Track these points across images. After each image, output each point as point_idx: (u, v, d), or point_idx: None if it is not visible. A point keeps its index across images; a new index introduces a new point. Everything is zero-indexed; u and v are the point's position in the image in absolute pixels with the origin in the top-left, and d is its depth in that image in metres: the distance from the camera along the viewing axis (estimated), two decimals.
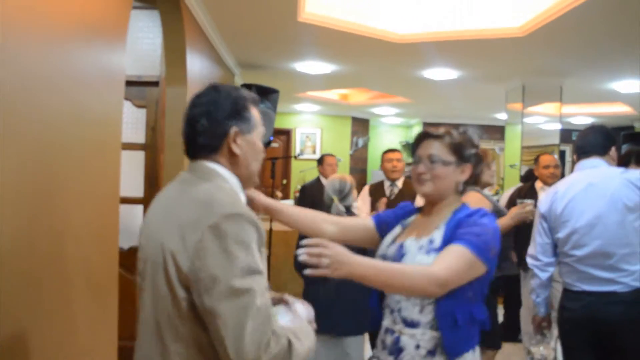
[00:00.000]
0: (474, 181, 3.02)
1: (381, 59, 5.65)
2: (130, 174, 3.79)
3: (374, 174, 10.80)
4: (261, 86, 5.00)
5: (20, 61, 1.56)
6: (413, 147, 1.78)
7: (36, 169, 1.68)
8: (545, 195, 2.64)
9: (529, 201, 3.07)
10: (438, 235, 1.65)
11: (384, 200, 4.42)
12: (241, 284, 1.18)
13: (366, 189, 4.82)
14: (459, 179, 1.73)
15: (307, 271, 1.41)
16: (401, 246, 1.70)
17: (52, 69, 1.76)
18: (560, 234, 2.50)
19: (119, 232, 2.45)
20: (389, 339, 1.68)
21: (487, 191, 3.30)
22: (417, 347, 1.61)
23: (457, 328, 1.58)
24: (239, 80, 6.45)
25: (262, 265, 1.25)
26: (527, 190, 4.37)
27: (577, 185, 2.49)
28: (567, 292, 2.51)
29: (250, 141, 1.39)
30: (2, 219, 1.48)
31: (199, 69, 4.10)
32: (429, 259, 1.61)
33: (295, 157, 9.82)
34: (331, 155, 5.59)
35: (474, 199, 2.94)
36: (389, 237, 1.79)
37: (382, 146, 12.80)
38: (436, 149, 1.71)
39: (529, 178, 5.10)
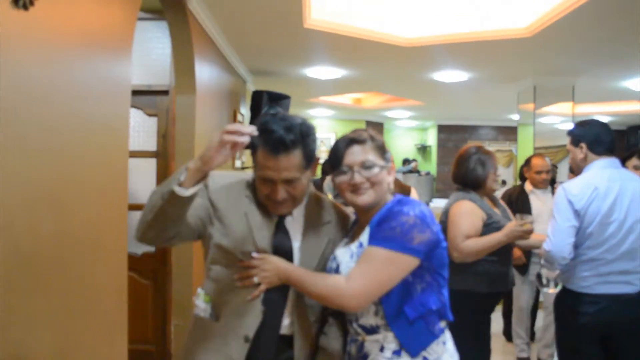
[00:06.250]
0: (477, 186, 2.93)
1: (390, 63, 5.69)
2: (143, 181, 3.88)
3: None
4: (272, 92, 5.07)
5: (25, 72, 1.64)
6: (335, 155, 1.62)
7: (42, 177, 1.75)
8: (579, 190, 2.43)
9: (529, 217, 2.64)
10: (365, 237, 1.57)
11: None
12: None
13: None
14: (389, 181, 1.62)
15: (238, 283, 1.55)
16: (334, 257, 1.62)
17: (57, 80, 1.84)
18: (596, 236, 2.40)
19: (127, 238, 2.52)
20: (353, 348, 1.62)
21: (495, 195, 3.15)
22: (382, 349, 1.55)
23: (410, 324, 1.53)
24: (250, 87, 6.53)
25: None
26: (518, 195, 4.19)
27: (615, 184, 2.42)
28: (582, 296, 2.44)
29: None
30: (8, 227, 1.55)
31: (208, 78, 4.18)
32: None
33: None
34: None
35: (464, 209, 2.78)
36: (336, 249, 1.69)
37: (397, 150, 12.84)
38: (368, 154, 1.59)
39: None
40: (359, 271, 1.49)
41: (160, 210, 1.38)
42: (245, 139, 1.36)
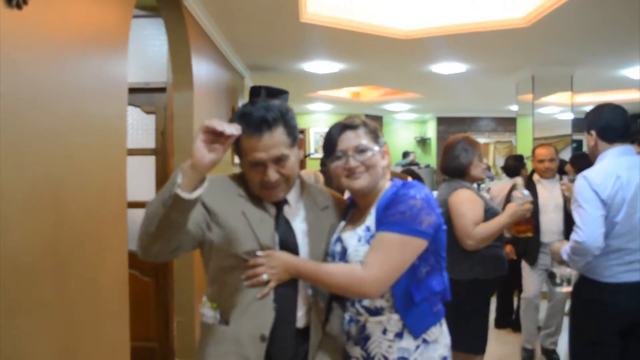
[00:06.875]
0: (461, 173, 2.92)
1: (388, 56, 5.67)
2: (143, 179, 3.88)
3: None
4: (270, 87, 5.04)
5: (20, 72, 1.64)
6: (329, 142, 1.66)
7: (40, 176, 1.75)
8: (602, 180, 2.37)
9: (527, 193, 2.72)
10: (371, 221, 1.59)
11: None
12: None
13: None
14: (383, 165, 1.64)
15: (246, 283, 1.52)
16: (340, 240, 1.64)
17: (52, 79, 1.84)
18: (622, 225, 2.35)
19: (127, 236, 2.52)
20: (354, 329, 1.63)
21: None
22: (384, 331, 1.57)
23: (416, 306, 1.56)
24: (248, 83, 6.52)
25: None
26: (526, 184, 4.16)
27: (635, 172, 2.37)
28: (605, 286, 2.39)
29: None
30: (8, 225, 1.56)
31: (205, 74, 4.17)
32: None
33: (307, 156, 9.93)
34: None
35: (465, 197, 2.78)
36: (335, 234, 1.70)
37: (397, 143, 12.83)
38: (362, 138, 1.62)
39: (511, 170, 5.00)
40: (374, 258, 1.51)
41: (164, 217, 1.33)
42: (229, 130, 1.32)
